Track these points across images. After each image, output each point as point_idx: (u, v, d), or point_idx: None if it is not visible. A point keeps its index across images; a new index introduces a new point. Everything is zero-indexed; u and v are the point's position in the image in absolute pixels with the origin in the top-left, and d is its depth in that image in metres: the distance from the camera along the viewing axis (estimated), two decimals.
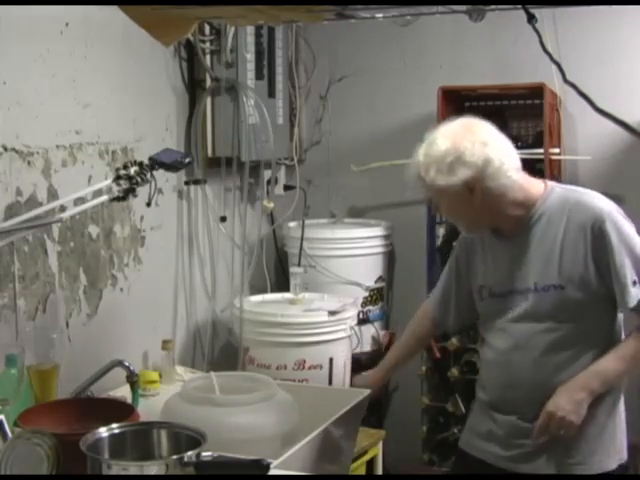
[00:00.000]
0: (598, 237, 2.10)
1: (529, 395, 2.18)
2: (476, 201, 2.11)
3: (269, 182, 3.62)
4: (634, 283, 2.08)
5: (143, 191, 2.18)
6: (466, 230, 2.27)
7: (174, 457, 1.67)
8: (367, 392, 2.38)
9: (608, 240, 2.09)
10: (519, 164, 2.16)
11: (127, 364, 2.29)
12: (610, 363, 2.13)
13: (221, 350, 3.54)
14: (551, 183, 2.25)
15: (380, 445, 3.11)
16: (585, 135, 3.49)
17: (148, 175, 2.15)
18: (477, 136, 2.10)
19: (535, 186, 2.21)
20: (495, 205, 2.14)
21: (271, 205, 3.57)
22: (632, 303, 2.09)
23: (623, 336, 2.22)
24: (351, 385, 2.70)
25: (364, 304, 3.55)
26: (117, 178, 2.13)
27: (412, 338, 2.53)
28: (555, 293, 2.14)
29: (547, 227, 2.16)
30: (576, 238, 2.12)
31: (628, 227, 2.13)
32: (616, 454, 2.21)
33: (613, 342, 2.18)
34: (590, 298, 2.13)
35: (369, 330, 3.59)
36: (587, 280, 2.12)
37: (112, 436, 1.77)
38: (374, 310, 3.62)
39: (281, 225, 3.80)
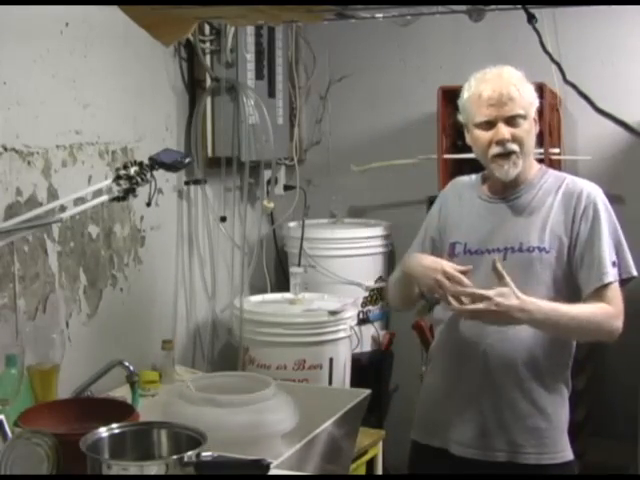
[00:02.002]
0: (588, 207, 2.19)
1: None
2: (534, 132, 2.24)
3: (269, 182, 3.62)
4: (613, 264, 2.16)
5: (143, 191, 2.17)
6: (522, 159, 2.23)
7: (174, 457, 1.66)
8: (367, 392, 2.38)
9: (597, 214, 2.19)
10: None
11: (127, 364, 2.28)
12: (565, 309, 2.13)
13: (221, 350, 3.54)
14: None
15: (380, 445, 3.11)
16: (585, 135, 3.48)
17: (148, 175, 2.14)
18: None
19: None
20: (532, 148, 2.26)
21: (271, 205, 3.57)
22: (608, 279, 2.15)
23: None
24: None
25: (364, 304, 3.55)
26: (117, 178, 2.13)
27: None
28: (538, 255, 2.19)
29: (542, 196, 2.25)
30: (566, 203, 2.21)
31: (612, 212, 2.23)
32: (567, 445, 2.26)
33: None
34: (561, 271, 2.19)
35: (369, 330, 3.59)
36: (563, 245, 2.19)
37: (112, 436, 1.76)
38: (374, 310, 3.62)
39: (281, 225, 3.80)
